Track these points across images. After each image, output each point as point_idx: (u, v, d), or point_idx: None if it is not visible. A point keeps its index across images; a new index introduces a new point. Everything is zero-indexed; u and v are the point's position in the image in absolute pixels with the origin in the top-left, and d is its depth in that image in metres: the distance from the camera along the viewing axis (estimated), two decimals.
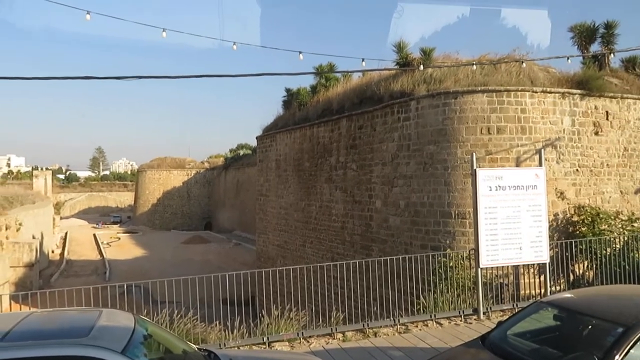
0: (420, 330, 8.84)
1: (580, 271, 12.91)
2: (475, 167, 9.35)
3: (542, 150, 10.69)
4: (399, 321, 8.95)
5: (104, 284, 9.19)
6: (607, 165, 15.65)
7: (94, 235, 60.05)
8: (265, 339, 8.11)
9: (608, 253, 11.99)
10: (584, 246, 11.94)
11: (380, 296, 10.84)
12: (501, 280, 12.10)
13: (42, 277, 34.33)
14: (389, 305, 9.97)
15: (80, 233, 62.65)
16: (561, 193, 14.72)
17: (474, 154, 9.94)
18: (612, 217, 14.62)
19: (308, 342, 8.27)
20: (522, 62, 14.53)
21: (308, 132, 22.35)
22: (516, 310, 8.30)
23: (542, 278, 10.89)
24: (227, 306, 10.58)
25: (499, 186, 9.26)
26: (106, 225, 74.70)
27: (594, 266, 12.08)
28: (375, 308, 10.21)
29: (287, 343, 8.17)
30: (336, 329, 8.59)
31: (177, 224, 71.15)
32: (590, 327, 5.32)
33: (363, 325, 8.77)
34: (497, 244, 9.21)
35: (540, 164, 10.05)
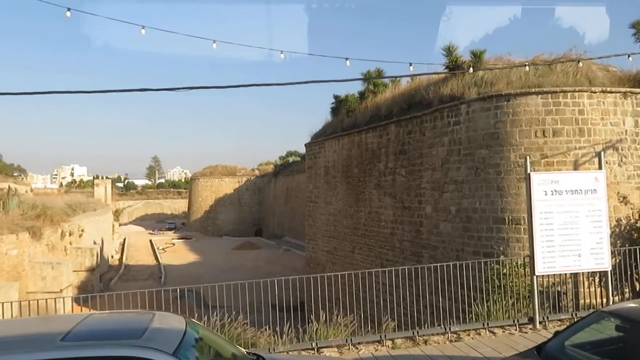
0: (472, 339, 8.60)
1: None
2: (529, 171, 9.04)
3: (602, 152, 10.18)
4: (450, 329, 8.75)
5: (160, 288, 9.49)
6: None
7: (150, 241, 62.31)
8: (313, 344, 8.12)
9: None
10: None
11: (430, 304, 10.63)
12: (558, 289, 11.60)
13: (103, 280, 35.86)
14: (440, 313, 9.74)
15: (138, 239, 65.13)
16: (624, 197, 13.97)
17: (528, 157, 9.59)
18: None
19: (357, 348, 8.22)
20: (579, 62, 13.93)
21: (356, 138, 22.32)
22: (575, 320, 7.93)
23: (603, 287, 10.35)
24: (276, 311, 10.68)
25: (555, 190, 8.92)
26: (162, 232, 77.26)
27: None
28: (425, 315, 10.03)
29: (335, 349, 8.15)
30: (385, 335, 8.49)
31: (228, 230, 72.67)
32: None
33: (413, 332, 8.63)
34: (553, 250, 8.86)
35: (600, 167, 9.60)
